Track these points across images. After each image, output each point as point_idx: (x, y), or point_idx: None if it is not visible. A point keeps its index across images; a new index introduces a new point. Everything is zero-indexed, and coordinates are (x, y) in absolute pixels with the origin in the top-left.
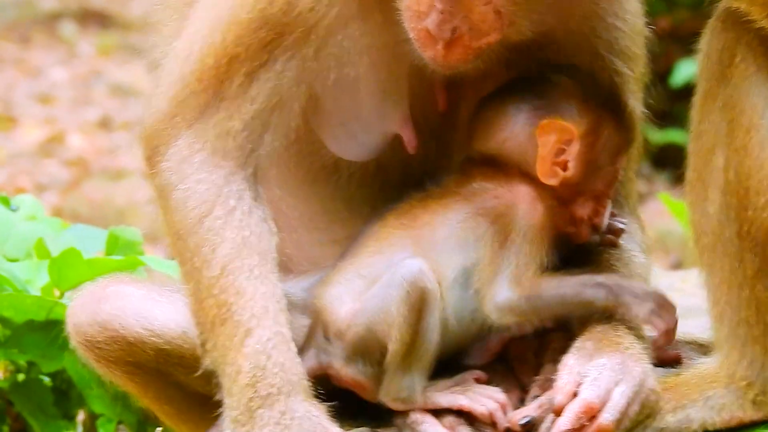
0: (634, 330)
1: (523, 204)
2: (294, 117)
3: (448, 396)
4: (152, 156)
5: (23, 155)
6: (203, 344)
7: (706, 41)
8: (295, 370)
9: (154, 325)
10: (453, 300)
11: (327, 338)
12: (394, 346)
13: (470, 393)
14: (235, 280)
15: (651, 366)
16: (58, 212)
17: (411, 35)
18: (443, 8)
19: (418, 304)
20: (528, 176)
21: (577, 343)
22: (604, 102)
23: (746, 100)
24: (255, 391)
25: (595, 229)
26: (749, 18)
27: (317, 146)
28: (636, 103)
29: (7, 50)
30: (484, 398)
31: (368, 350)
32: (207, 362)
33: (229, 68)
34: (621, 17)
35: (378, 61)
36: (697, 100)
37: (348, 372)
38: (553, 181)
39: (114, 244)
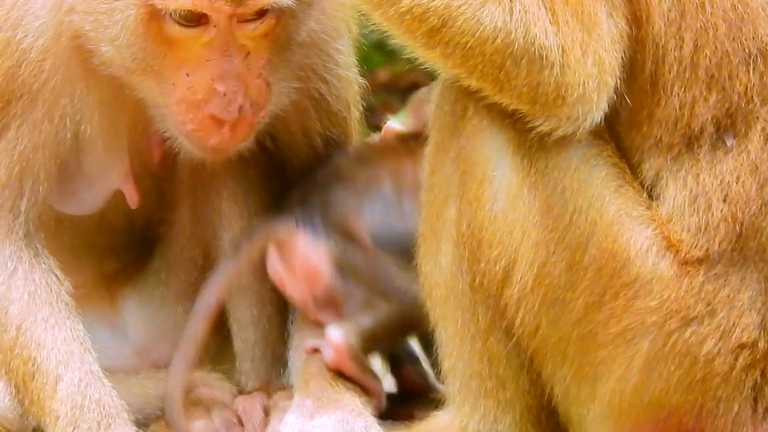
0: (353, 387)
1: None
2: (42, 181)
3: None
4: None
5: None
6: (22, 403)
7: (438, 92)
8: (112, 403)
9: None
10: None
11: None
12: None
13: None
14: (33, 335)
15: (374, 419)
16: None
17: (186, 128)
18: (227, 89)
19: None
20: None
21: (297, 401)
22: None
23: (479, 152)
24: (76, 430)
25: None
26: (482, 94)
27: None
28: (350, 144)
29: None
30: None
31: None
32: (30, 420)
33: None
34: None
35: (101, 118)
36: (429, 151)
37: None
38: None
39: None
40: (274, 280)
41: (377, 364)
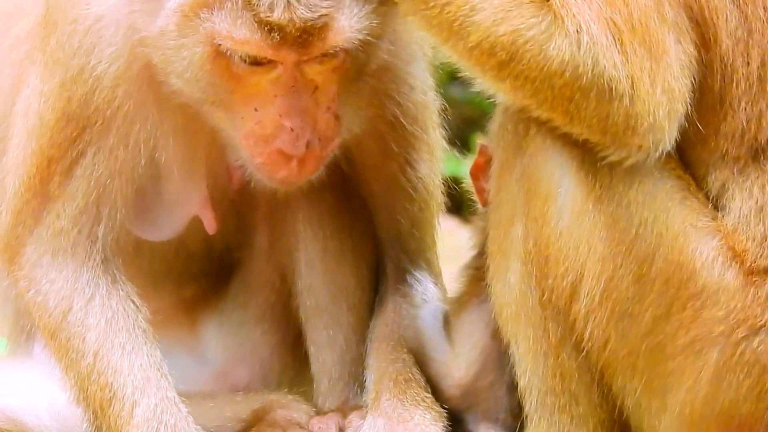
0: (422, 400)
1: None
2: (120, 207)
3: None
4: (10, 266)
5: None
6: (99, 429)
7: (501, 112)
8: (188, 429)
9: None
10: None
11: None
12: None
13: None
14: (110, 361)
15: None
16: None
17: (255, 161)
18: (294, 125)
19: None
20: None
21: (369, 421)
22: None
23: (543, 170)
24: None
25: None
26: (552, 124)
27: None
28: (430, 165)
29: None
30: None
31: None
32: None
33: (49, 170)
34: (406, 94)
35: (176, 144)
36: (494, 171)
37: None
38: None
39: None
40: None
41: None
